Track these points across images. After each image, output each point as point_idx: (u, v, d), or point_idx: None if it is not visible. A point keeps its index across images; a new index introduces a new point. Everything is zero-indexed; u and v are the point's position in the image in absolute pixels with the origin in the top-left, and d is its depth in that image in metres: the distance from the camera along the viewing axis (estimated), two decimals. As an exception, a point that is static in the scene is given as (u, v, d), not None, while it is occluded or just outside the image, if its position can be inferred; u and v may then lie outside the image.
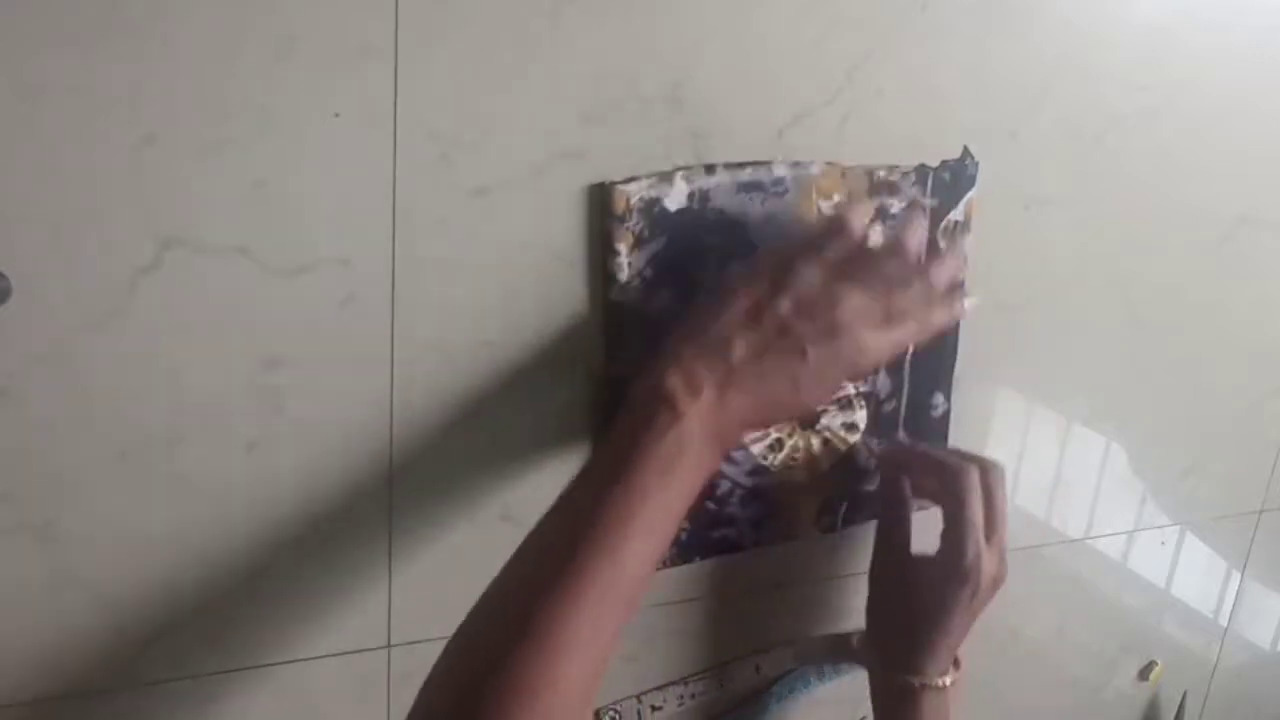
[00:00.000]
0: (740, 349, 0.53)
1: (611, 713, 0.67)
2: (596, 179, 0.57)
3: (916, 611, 0.65)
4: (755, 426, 0.57)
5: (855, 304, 0.55)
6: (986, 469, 0.65)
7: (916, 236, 0.60)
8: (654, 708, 0.69)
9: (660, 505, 0.51)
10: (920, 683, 0.65)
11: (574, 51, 0.55)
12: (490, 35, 0.53)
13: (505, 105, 0.55)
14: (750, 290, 0.55)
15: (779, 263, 0.56)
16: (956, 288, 0.63)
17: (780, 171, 0.61)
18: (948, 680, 0.65)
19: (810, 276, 0.55)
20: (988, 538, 0.64)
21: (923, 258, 0.60)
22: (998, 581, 0.65)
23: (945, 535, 0.64)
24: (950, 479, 0.65)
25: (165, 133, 0.49)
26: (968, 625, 0.65)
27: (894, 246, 0.58)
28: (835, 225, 0.58)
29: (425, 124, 0.53)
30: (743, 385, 0.53)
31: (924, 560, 0.65)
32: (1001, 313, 0.71)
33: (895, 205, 0.65)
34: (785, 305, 0.54)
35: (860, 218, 0.58)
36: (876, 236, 0.62)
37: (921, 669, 0.65)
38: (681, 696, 0.69)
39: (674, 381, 0.52)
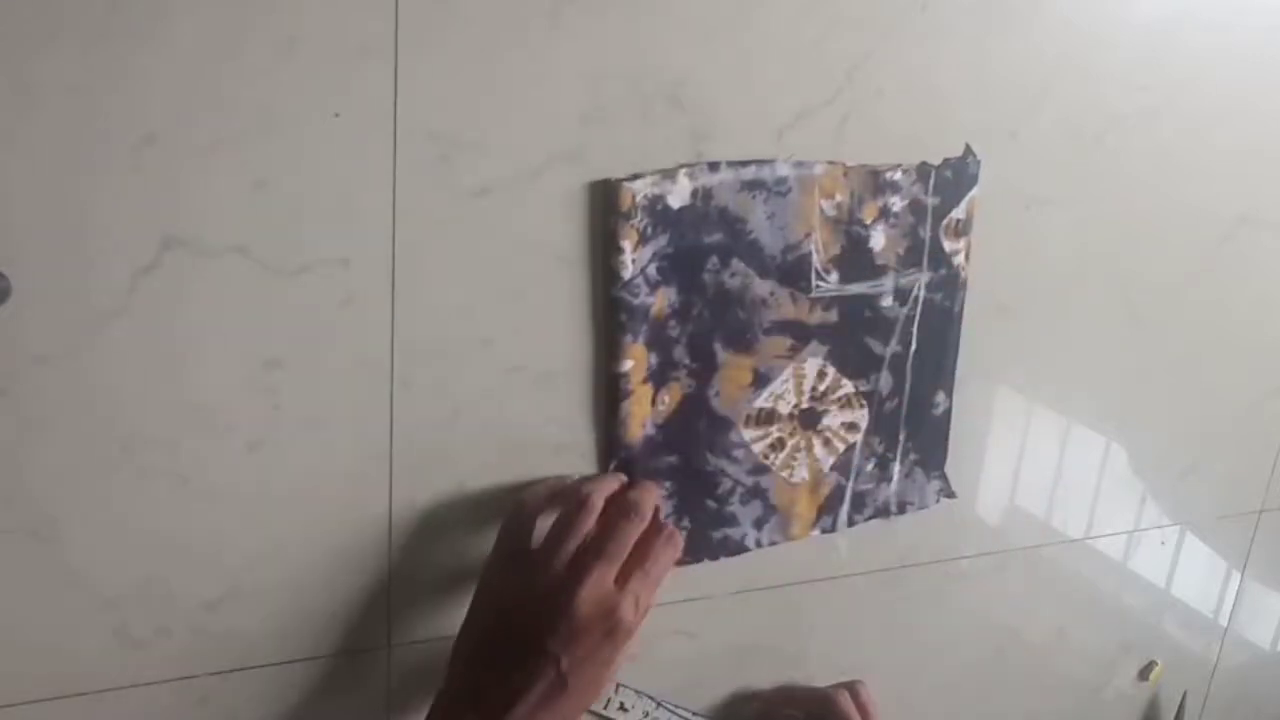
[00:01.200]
0: (488, 687, 0.53)
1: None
2: (596, 179, 0.57)
3: None
4: None
5: (570, 575, 0.53)
6: (855, 689, 0.69)
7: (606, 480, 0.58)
8: (622, 706, 0.69)
9: None
10: None
11: (574, 51, 0.55)
12: (490, 35, 0.53)
13: (505, 105, 0.55)
14: (478, 617, 0.56)
15: (487, 577, 0.56)
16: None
17: (783, 170, 0.61)
18: None
19: (515, 577, 0.55)
20: None
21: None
22: None
23: None
24: (826, 707, 0.68)
25: (165, 133, 0.49)
26: None
27: (582, 494, 0.57)
28: (516, 522, 0.57)
29: (425, 124, 0.53)
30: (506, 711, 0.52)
31: None
32: (1001, 313, 0.71)
33: (897, 204, 0.65)
34: (505, 616, 0.54)
35: (537, 500, 0.57)
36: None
37: None
38: (646, 713, 0.69)
39: None
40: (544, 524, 0.58)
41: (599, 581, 0.53)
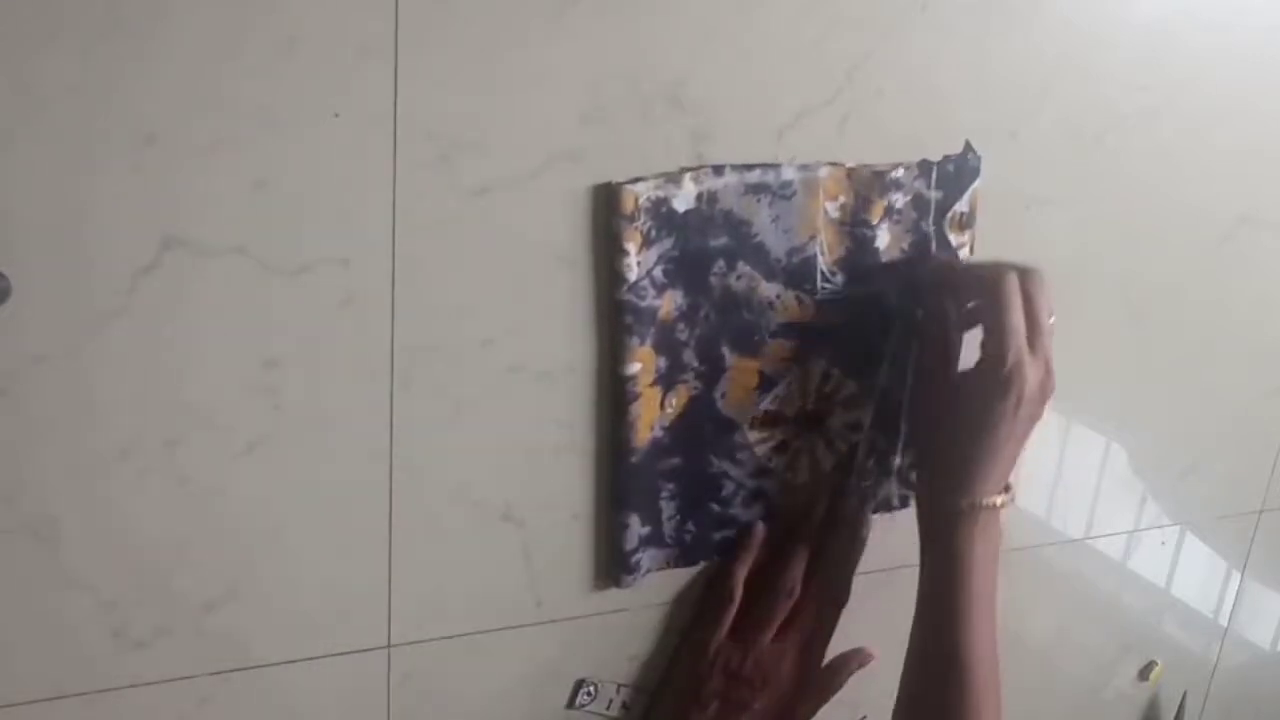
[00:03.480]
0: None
1: (590, 686, 0.68)
2: (596, 179, 0.57)
3: (961, 429, 0.63)
4: None
5: (773, 651, 0.67)
6: (1026, 274, 0.63)
7: (798, 558, 0.68)
8: (624, 705, 0.69)
9: None
10: (970, 503, 0.63)
11: (574, 51, 0.55)
12: (490, 35, 0.53)
13: (505, 105, 0.55)
14: (689, 683, 0.67)
15: (700, 651, 0.67)
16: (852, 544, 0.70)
17: (788, 174, 0.61)
18: (999, 500, 0.63)
19: (729, 652, 0.67)
20: (1031, 344, 0.61)
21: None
22: (1045, 392, 0.62)
23: (985, 345, 0.62)
24: (990, 286, 0.62)
25: (165, 133, 0.49)
26: (1018, 441, 0.63)
27: (781, 585, 0.68)
28: (719, 597, 0.67)
29: (425, 124, 0.53)
30: None
31: (965, 375, 0.64)
32: (1001, 313, 0.71)
33: (900, 200, 0.65)
34: (718, 682, 0.67)
35: (734, 579, 0.67)
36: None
37: (971, 489, 0.62)
38: (610, 701, 0.69)
39: None
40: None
41: (793, 656, 0.68)
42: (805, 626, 0.68)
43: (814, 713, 0.69)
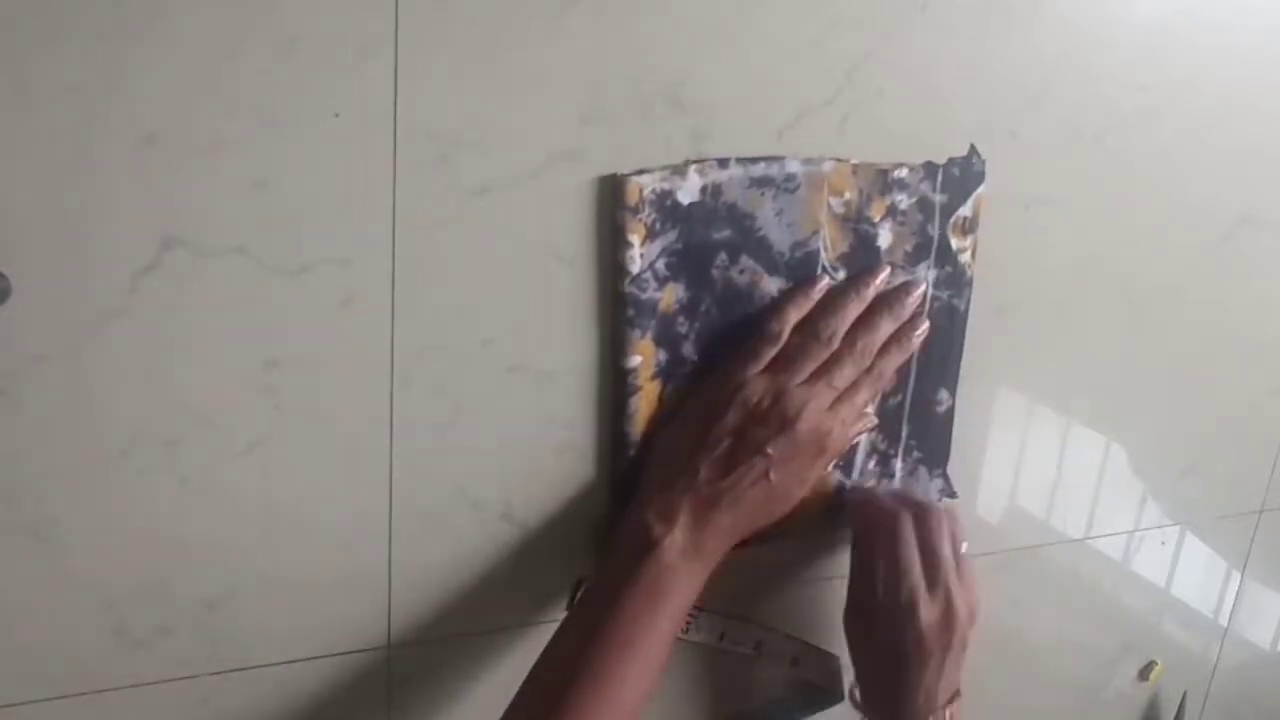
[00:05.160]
0: (705, 470, 0.59)
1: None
2: (597, 179, 0.57)
3: (879, 662, 0.65)
4: (741, 534, 0.60)
5: (800, 394, 0.60)
6: (922, 513, 0.64)
7: (846, 311, 0.63)
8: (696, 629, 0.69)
9: (649, 628, 0.56)
10: None
11: (574, 51, 0.55)
12: (490, 35, 0.53)
13: (505, 105, 0.55)
14: (703, 416, 0.60)
15: (723, 382, 0.61)
16: (904, 327, 0.65)
17: (793, 168, 0.61)
18: (946, 715, 0.64)
19: (753, 386, 0.60)
20: (928, 584, 0.63)
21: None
22: (951, 625, 0.63)
23: (880, 582, 0.64)
24: (883, 524, 0.64)
25: (165, 133, 0.49)
26: (939, 668, 0.63)
27: (820, 329, 0.62)
28: (762, 333, 0.62)
29: (425, 124, 0.53)
30: (716, 503, 0.58)
31: (877, 606, 0.64)
32: (1002, 313, 0.71)
33: (905, 201, 0.65)
34: (735, 417, 0.59)
35: (783, 319, 0.62)
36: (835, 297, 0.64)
37: (907, 713, 0.64)
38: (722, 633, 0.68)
39: (649, 516, 0.58)
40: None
41: (819, 406, 0.60)
42: (838, 381, 0.62)
43: (818, 474, 0.63)
